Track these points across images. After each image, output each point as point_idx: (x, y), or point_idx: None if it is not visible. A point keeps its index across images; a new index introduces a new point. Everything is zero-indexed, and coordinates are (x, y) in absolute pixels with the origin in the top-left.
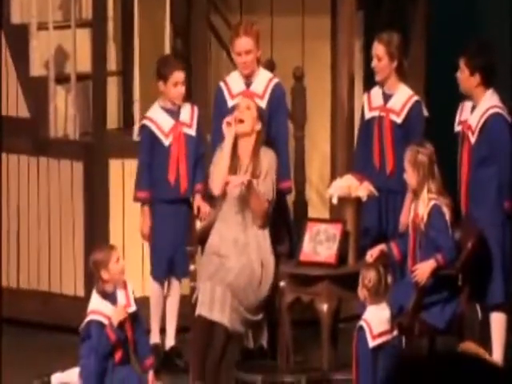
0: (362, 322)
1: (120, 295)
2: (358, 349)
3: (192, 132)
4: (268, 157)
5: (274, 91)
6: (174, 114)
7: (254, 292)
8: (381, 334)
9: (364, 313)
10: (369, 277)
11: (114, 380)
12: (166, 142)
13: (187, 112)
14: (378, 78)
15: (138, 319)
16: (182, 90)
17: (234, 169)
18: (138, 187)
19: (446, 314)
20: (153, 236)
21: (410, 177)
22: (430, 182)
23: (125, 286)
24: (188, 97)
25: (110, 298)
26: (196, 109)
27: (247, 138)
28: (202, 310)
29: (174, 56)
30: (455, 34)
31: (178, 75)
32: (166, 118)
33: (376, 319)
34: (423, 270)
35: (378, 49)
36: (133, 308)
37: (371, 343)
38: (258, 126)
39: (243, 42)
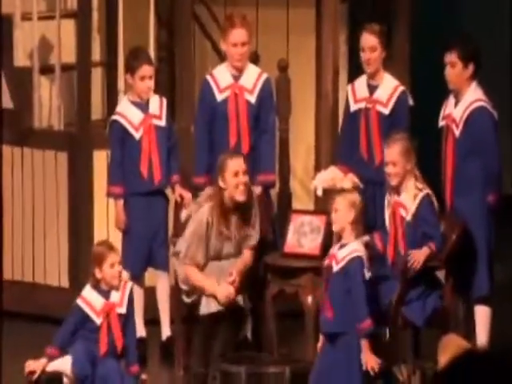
0: (358, 253)
1: (114, 293)
2: (352, 277)
3: (162, 123)
4: (255, 206)
5: (264, 87)
6: (143, 106)
7: None
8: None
9: (348, 244)
10: (359, 198)
11: (97, 374)
12: (137, 135)
13: (156, 104)
14: (370, 69)
15: (129, 323)
16: (149, 84)
17: (224, 237)
18: (111, 182)
19: (427, 311)
20: (128, 230)
21: (401, 167)
22: (415, 170)
23: (123, 287)
24: (171, 88)
25: (104, 293)
26: (164, 100)
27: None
28: (201, 311)
29: (158, 47)
30: (438, 25)
31: (146, 69)
32: (136, 112)
33: (365, 253)
34: (419, 255)
35: (370, 40)
36: (123, 309)
37: (367, 274)
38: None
39: (240, 34)
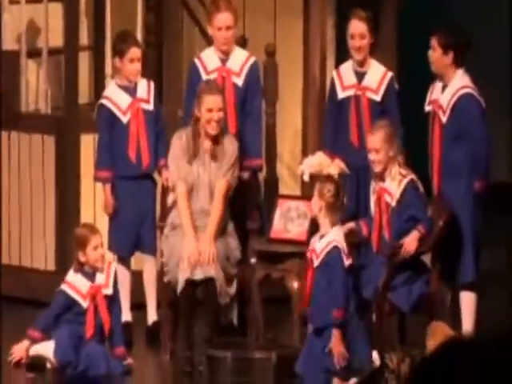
0: (334, 243)
1: (99, 275)
2: (331, 268)
3: (150, 107)
4: (233, 145)
5: (251, 70)
6: (131, 90)
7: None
8: (348, 257)
9: (326, 235)
10: (328, 187)
11: (82, 358)
12: (125, 119)
13: (144, 88)
14: (359, 56)
15: (115, 304)
16: (137, 66)
17: (194, 154)
18: (99, 166)
19: (413, 296)
20: (116, 213)
21: (384, 154)
22: (399, 156)
23: (108, 267)
24: (159, 72)
25: (89, 275)
26: (152, 84)
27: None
28: (178, 291)
29: (146, 32)
30: (425, 11)
31: (135, 51)
32: (123, 96)
33: (343, 241)
34: (409, 242)
35: (360, 27)
36: (110, 290)
37: (346, 262)
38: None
39: (225, 17)
